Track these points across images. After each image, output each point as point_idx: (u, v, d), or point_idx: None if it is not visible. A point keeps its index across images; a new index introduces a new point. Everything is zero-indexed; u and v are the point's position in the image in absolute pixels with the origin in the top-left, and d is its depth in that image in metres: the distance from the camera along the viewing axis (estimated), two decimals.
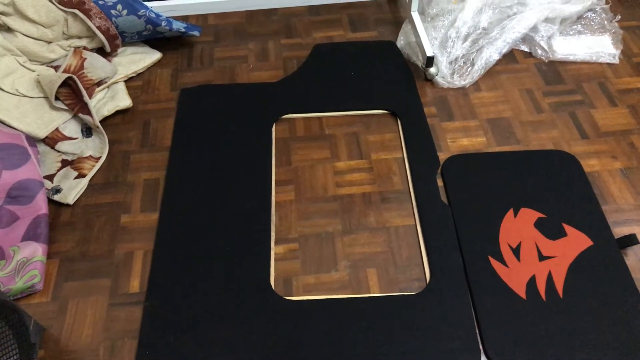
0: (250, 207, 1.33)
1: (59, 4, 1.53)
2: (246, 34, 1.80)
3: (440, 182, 1.39)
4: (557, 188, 1.35)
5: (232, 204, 1.34)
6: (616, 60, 1.67)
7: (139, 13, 1.57)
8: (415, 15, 1.69)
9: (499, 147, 1.46)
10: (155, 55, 1.70)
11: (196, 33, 1.72)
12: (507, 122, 1.52)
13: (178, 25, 1.65)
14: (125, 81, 1.64)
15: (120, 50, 1.67)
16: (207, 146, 1.46)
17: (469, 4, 1.70)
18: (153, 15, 1.59)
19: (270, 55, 1.74)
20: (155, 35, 1.69)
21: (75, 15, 1.54)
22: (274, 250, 1.26)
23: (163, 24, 1.62)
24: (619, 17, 1.77)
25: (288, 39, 1.79)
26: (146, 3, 1.65)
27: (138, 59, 1.67)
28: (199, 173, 1.40)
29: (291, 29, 1.82)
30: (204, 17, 1.85)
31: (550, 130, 1.50)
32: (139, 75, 1.67)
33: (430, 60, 1.58)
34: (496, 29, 1.69)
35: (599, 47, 1.70)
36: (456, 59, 1.66)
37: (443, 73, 1.62)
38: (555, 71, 1.66)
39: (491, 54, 1.64)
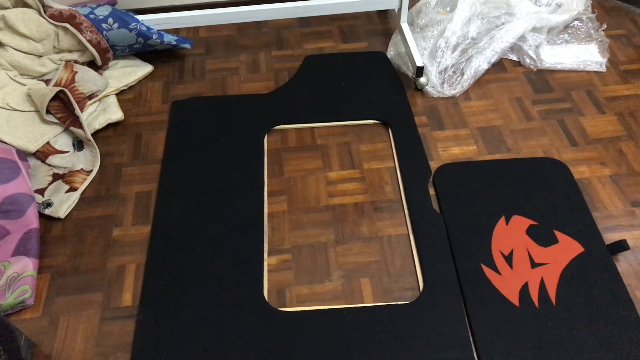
0: (243, 218, 1.33)
1: (50, 18, 1.53)
2: (237, 46, 1.81)
3: (432, 191, 1.39)
4: (548, 195, 1.36)
5: (224, 215, 1.34)
6: (603, 69, 1.69)
7: (130, 26, 1.58)
8: (404, 26, 1.71)
9: (489, 155, 1.47)
10: (147, 68, 1.70)
11: (187, 45, 1.72)
12: (497, 131, 1.53)
13: (169, 38, 1.66)
14: (116, 94, 1.64)
15: (111, 63, 1.67)
16: (199, 158, 1.46)
17: (457, 14, 1.72)
18: (144, 28, 1.60)
19: (261, 66, 1.75)
20: (147, 48, 1.70)
21: (66, 29, 1.54)
22: (267, 261, 1.26)
23: (154, 37, 1.62)
24: (605, 26, 1.79)
25: (279, 50, 1.80)
26: (137, 16, 1.66)
27: (129, 71, 1.67)
28: (191, 185, 1.40)
29: (282, 40, 1.83)
30: (195, 29, 1.86)
31: (540, 138, 1.51)
32: (131, 88, 1.67)
33: (420, 70, 1.59)
34: (485, 39, 1.71)
35: (586, 55, 1.73)
36: (446, 69, 1.68)
37: (433, 83, 1.63)
38: (543, 80, 1.68)
39: (480, 63, 1.66)
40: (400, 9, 1.68)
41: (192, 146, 1.49)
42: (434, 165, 1.45)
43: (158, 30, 1.64)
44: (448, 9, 1.78)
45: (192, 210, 1.35)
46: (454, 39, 1.70)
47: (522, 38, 1.73)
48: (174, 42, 1.68)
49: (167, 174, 1.43)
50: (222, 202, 1.36)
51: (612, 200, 1.36)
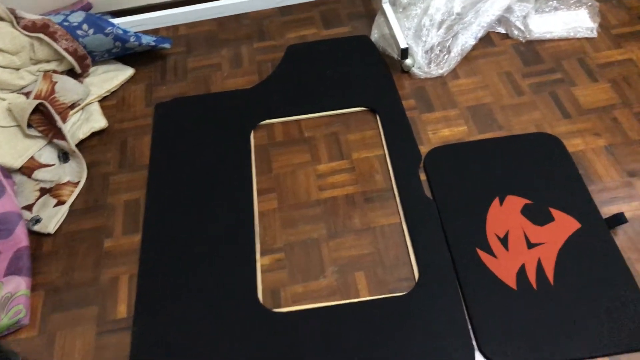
0: (234, 219, 1.32)
1: (23, 29, 1.50)
2: (218, 41, 1.78)
3: (423, 176, 1.37)
4: (542, 172, 1.33)
5: (214, 217, 1.32)
6: (594, 34, 1.64)
7: (106, 31, 1.55)
8: (386, 6, 1.66)
9: (481, 134, 1.44)
10: (128, 72, 1.67)
11: (167, 45, 1.69)
12: (487, 108, 1.50)
13: (147, 40, 1.63)
14: (99, 101, 1.61)
15: (91, 69, 1.64)
16: (186, 160, 1.44)
17: None
18: (121, 31, 1.57)
19: (244, 60, 1.71)
20: (126, 52, 1.67)
21: (40, 39, 1.51)
22: (259, 262, 1.25)
23: (132, 39, 1.59)
24: None
25: (261, 42, 1.76)
26: (113, 19, 1.62)
27: (110, 77, 1.64)
28: (179, 189, 1.39)
29: (263, 31, 1.79)
30: (175, 28, 1.82)
31: (532, 113, 1.47)
32: (113, 93, 1.65)
33: (404, 52, 1.55)
34: (470, 13, 1.66)
35: (576, 22, 1.67)
36: (432, 48, 1.63)
37: (419, 64, 1.59)
38: (533, 51, 1.63)
39: (467, 39, 1.61)
40: None
41: (178, 149, 1.47)
42: (424, 149, 1.42)
43: (135, 33, 1.61)
44: None
45: (181, 215, 1.33)
46: (438, 15, 1.65)
47: (509, 9, 1.68)
48: (153, 43, 1.64)
49: (155, 180, 1.41)
50: (211, 204, 1.35)
51: (608, 172, 1.33)
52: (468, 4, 1.68)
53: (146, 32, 1.69)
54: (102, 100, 1.63)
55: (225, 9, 1.64)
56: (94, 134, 1.53)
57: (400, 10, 1.69)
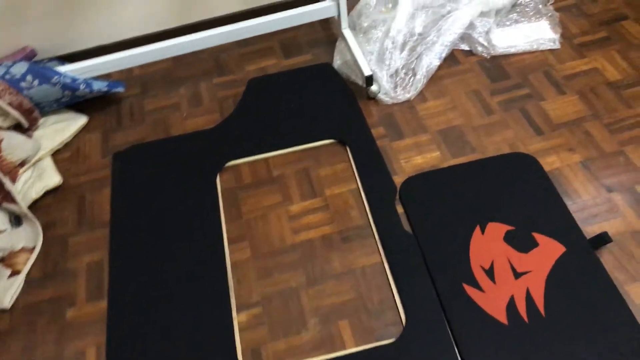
0: (205, 274, 1.24)
1: None
2: (175, 79, 1.70)
3: (400, 209, 1.31)
4: (521, 194, 1.29)
5: (185, 274, 1.24)
6: (557, 45, 1.62)
7: (52, 81, 1.45)
8: (347, 32, 1.61)
9: (454, 159, 1.40)
10: (81, 120, 1.58)
11: (120, 89, 1.60)
12: (459, 131, 1.46)
13: (99, 86, 1.54)
14: (52, 155, 1.52)
15: (41, 121, 1.55)
16: (149, 212, 1.36)
17: (400, 11, 1.63)
18: (68, 80, 1.47)
19: (204, 98, 1.64)
20: (77, 100, 1.57)
21: None
22: (236, 319, 1.17)
23: (81, 87, 1.50)
24: (548, 2, 1.72)
25: (220, 77, 1.69)
26: (61, 67, 1.53)
27: (62, 127, 1.55)
28: (144, 245, 1.30)
29: (222, 65, 1.72)
30: (128, 69, 1.74)
31: (504, 131, 1.44)
32: (67, 145, 1.55)
33: (369, 79, 1.50)
34: (433, 32, 1.62)
35: (537, 34, 1.65)
36: (397, 71, 1.59)
37: (385, 89, 1.55)
38: (498, 66, 1.60)
39: (431, 60, 1.57)
40: (339, 15, 1.58)
41: (140, 200, 1.39)
42: (398, 179, 1.37)
43: (85, 79, 1.51)
44: (390, 5, 1.69)
45: (149, 274, 1.25)
46: (400, 37, 1.61)
47: (471, 25, 1.65)
48: (105, 89, 1.55)
49: (117, 237, 1.32)
50: (180, 259, 1.27)
51: (586, 189, 1.30)
52: (429, 22, 1.65)
53: (98, 77, 1.60)
54: (56, 154, 1.53)
55: (179, 48, 1.56)
56: (48, 193, 1.43)
57: (361, 34, 1.64)
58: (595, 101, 1.47)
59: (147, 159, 1.48)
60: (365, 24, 1.65)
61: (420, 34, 1.63)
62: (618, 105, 1.45)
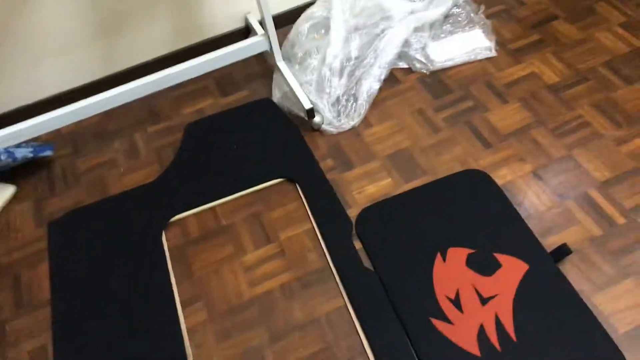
0: (159, 344, 1.15)
1: None
2: (108, 133, 1.60)
3: (358, 244, 1.26)
4: (477, 213, 1.26)
5: (139, 349, 1.15)
6: (493, 53, 1.61)
7: None
8: (281, 65, 1.56)
9: (406, 184, 1.36)
10: (8, 191, 1.46)
11: (48, 153, 1.50)
12: (407, 154, 1.42)
13: (23, 153, 1.43)
14: None
15: None
16: (93, 284, 1.26)
17: (333, 35, 1.59)
18: None
19: (141, 149, 1.55)
20: (2, 170, 1.46)
21: None
22: None
23: (3, 158, 1.39)
24: (483, 7, 1.72)
25: (155, 124, 1.61)
26: None
27: None
28: (90, 321, 1.20)
29: (156, 112, 1.64)
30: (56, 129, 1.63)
31: (453, 149, 1.41)
32: None
33: (310, 112, 1.45)
34: (369, 54, 1.59)
35: (473, 43, 1.64)
36: (338, 99, 1.54)
37: (328, 119, 1.50)
38: (439, 81, 1.58)
39: (371, 84, 1.54)
40: (271, 48, 1.53)
41: (81, 271, 1.29)
42: (353, 212, 1.32)
43: (6, 149, 1.40)
44: (322, 31, 1.65)
45: (99, 354, 1.15)
46: (337, 63, 1.57)
47: (407, 43, 1.63)
48: (31, 155, 1.45)
49: (60, 317, 1.22)
50: (132, 331, 1.17)
51: (540, 199, 1.28)
52: (364, 44, 1.61)
53: (25, 141, 1.49)
54: None
55: (109, 102, 1.47)
56: None
57: (297, 64, 1.59)
58: (537, 107, 1.47)
59: (85, 224, 1.38)
60: (300, 54, 1.60)
61: (357, 57, 1.59)
62: (560, 108, 1.45)
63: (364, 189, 1.37)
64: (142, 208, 1.39)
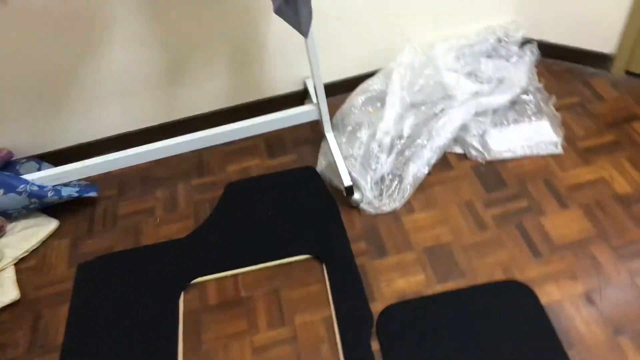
0: None
1: None
2: (154, 179, 1.63)
3: (376, 345, 1.17)
4: (514, 335, 1.13)
5: None
6: (559, 150, 1.48)
7: (18, 189, 1.40)
8: (329, 136, 1.52)
9: (440, 284, 1.25)
10: (51, 226, 1.51)
11: (93, 194, 1.54)
12: (447, 250, 1.32)
13: (68, 192, 1.48)
14: (18, 262, 1.45)
15: (10, 226, 1.49)
16: (104, 337, 1.25)
17: (387, 111, 1.54)
18: (35, 188, 1.42)
19: (180, 201, 1.56)
20: (47, 205, 1.51)
21: None
22: None
23: (49, 194, 1.45)
24: (554, 97, 1.60)
25: (199, 178, 1.62)
26: (34, 174, 1.47)
27: (30, 234, 1.48)
28: None
29: (203, 165, 1.65)
30: None
31: (498, 252, 1.29)
32: (34, 251, 1.48)
33: (349, 190, 1.39)
34: (423, 134, 1.52)
35: (538, 136, 1.52)
36: (382, 178, 1.48)
37: (368, 199, 1.43)
38: (495, 172, 1.47)
39: (419, 168, 1.46)
40: (321, 119, 1.50)
41: (97, 321, 1.29)
42: (377, 307, 1.23)
43: (54, 186, 1.46)
44: (379, 104, 1.61)
45: None
46: (387, 139, 1.51)
47: (464, 127, 1.54)
48: (76, 194, 1.50)
49: None
50: None
51: (590, 330, 1.13)
52: (419, 123, 1.55)
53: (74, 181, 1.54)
54: (21, 261, 1.46)
55: (160, 152, 1.50)
56: (4, 307, 1.35)
57: (345, 136, 1.55)
58: (602, 218, 1.32)
59: (111, 271, 1.39)
60: (350, 126, 1.56)
61: (409, 136, 1.53)
62: (628, 224, 1.29)
63: (393, 281, 1.28)
64: (168, 264, 1.38)
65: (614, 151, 1.46)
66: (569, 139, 1.52)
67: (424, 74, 1.58)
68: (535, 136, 1.53)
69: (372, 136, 1.52)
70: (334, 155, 1.47)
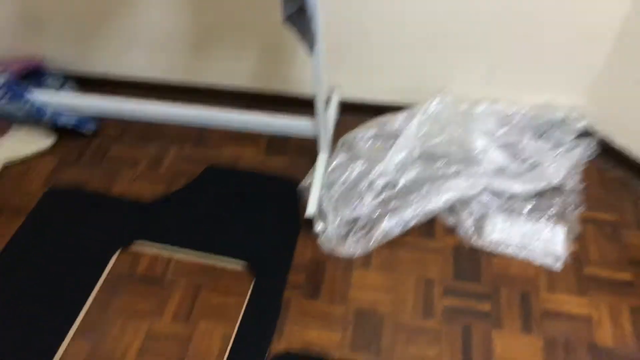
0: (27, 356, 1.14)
1: None
2: (154, 135, 1.64)
3: None
4: None
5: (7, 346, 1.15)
6: (558, 266, 1.28)
7: (21, 102, 1.47)
8: (321, 158, 1.43)
9: (352, 352, 1.15)
10: (46, 143, 1.58)
11: (90, 128, 1.58)
12: (378, 320, 1.20)
13: (65, 121, 1.53)
14: (6, 167, 1.53)
15: (12, 131, 1.58)
16: (32, 269, 1.30)
17: (392, 154, 1.42)
18: (35, 107, 1.48)
19: (164, 164, 1.56)
20: (50, 125, 1.58)
21: None
22: None
23: (45, 118, 1.50)
24: (584, 207, 1.38)
25: (194, 147, 1.60)
26: (53, 95, 1.53)
27: (24, 145, 1.56)
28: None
29: (202, 137, 1.63)
30: None
31: (428, 347, 1.16)
32: (25, 161, 1.56)
33: (308, 221, 1.31)
34: (418, 192, 1.38)
35: (544, 241, 1.32)
36: (356, 220, 1.37)
37: (329, 235, 1.34)
38: (475, 262, 1.31)
39: (392, 226, 1.33)
40: (316, 138, 1.41)
41: (35, 250, 1.33)
42: (277, 346, 1.16)
43: (55, 111, 1.51)
44: (392, 142, 1.48)
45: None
46: (380, 182, 1.40)
47: (465, 201, 1.38)
48: (71, 125, 1.54)
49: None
50: (12, 330, 1.18)
51: None
52: (424, 178, 1.41)
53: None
54: (8, 167, 1.54)
55: (172, 116, 1.53)
56: None
57: (340, 162, 1.45)
58: None
59: (69, 208, 1.43)
60: (349, 154, 1.46)
61: (403, 188, 1.40)
62: None
63: (308, 328, 1.19)
64: (118, 222, 1.39)
65: (621, 293, 1.23)
66: (578, 259, 1.30)
67: (447, 130, 1.43)
68: (540, 241, 1.33)
69: (366, 173, 1.41)
70: (314, 179, 1.38)
